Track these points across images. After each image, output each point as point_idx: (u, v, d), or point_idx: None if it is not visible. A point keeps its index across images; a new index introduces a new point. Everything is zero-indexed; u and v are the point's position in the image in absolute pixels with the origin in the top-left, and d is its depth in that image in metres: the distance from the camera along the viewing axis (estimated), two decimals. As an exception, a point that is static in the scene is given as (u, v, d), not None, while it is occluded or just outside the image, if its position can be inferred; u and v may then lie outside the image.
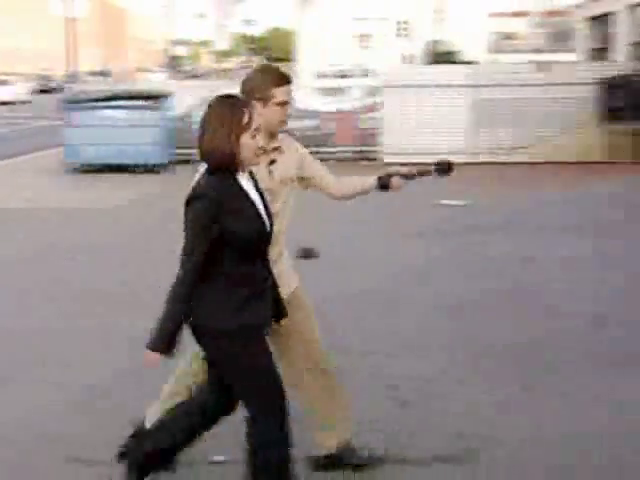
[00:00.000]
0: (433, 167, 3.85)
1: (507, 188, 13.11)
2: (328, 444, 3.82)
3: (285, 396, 3.22)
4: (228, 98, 3.19)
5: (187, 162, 16.16)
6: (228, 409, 3.37)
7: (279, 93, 3.66)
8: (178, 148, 16.00)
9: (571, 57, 26.83)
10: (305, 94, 22.79)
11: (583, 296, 6.84)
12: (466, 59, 36.51)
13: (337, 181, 3.90)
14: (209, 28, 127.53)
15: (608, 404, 4.59)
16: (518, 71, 17.18)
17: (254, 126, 3.10)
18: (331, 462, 3.83)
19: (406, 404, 4.62)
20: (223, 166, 3.06)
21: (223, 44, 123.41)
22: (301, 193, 3.88)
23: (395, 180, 3.77)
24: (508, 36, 51.14)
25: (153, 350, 3.05)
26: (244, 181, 3.15)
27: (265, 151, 3.54)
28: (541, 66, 17.63)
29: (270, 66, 3.94)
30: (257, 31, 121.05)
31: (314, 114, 16.98)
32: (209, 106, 3.16)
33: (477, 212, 10.82)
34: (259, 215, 3.13)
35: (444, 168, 3.87)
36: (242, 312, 3.09)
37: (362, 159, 16.46)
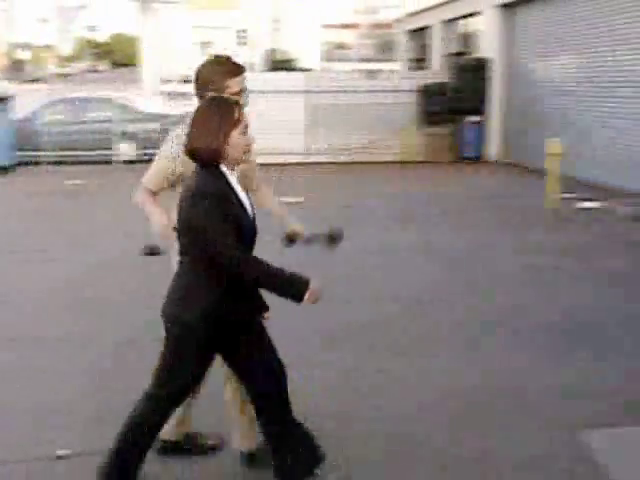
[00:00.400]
0: (326, 237, 3.73)
1: (339, 185, 13.72)
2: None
3: (281, 376, 3.26)
4: (217, 98, 3.13)
5: (30, 164, 15.79)
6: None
7: (234, 84, 3.50)
8: (20, 150, 15.51)
9: (395, 66, 27.82)
10: (149, 98, 22.45)
11: (404, 281, 7.24)
12: (302, 67, 37.06)
13: (261, 187, 3.89)
14: (52, 33, 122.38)
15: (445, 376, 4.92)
16: (348, 78, 17.75)
17: (243, 123, 3.04)
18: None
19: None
20: (211, 162, 2.98)
21: (67, 49, 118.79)
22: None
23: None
24: (340, 46, 52.38)
25: (301, 295, 3.01)
26: (233, 179, 3.08)
27: None
28: (369, 74, 18.29)
29: (222, 57, 3.68)
30: (101, 36, 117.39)
31: (158, 117, 16.82)
32: (199, 105, 3.11)
33: (310, 207, 11.12)
34: (248, 211, 3.09)
35: (334, 239, 3.73)
36: (241, 303, 3.07)
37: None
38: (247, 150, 3.09)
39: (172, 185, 3.52)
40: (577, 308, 6.25)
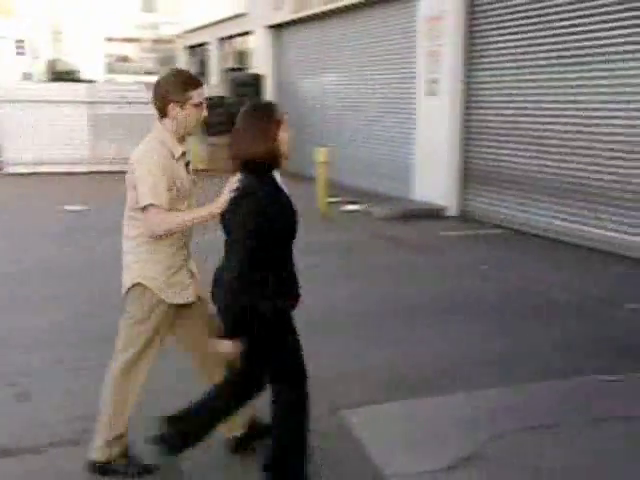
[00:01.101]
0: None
1: (123, 193, 13.26)
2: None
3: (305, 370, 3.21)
4: (257, 104, 3.12)
5: None
6: (259, 388, 3.34)
7: (196, 95, 3.36)
8: None
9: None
10: None
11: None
12: (86, 78, 35.49)
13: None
14: None
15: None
16: (130, 90, 17.29)
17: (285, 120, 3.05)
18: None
19: (25, 396, 4.40)
20: (267, 165, 2.97)
21: None
22: None
23: None
24: (123, 59, 50.85)
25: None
26: (278, 177, 3.07)
27: (183, 154, 3.39)
28: (150, 86, 17.89)
29: (182, 70, 3.57)
30: None
31: None
32: (244, 113, 3.06)
33: (95, 215, 10.75)
34: (293, 206, 3.07)
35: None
36: (283, 294, 3.07)
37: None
38: (289, 145, 3.11)
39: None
40: (351, 298, 6.58)
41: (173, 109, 3.33)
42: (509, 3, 10.09)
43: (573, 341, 5.35)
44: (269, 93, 18.02)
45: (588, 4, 8.68)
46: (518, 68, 10.00)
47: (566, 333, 5.54)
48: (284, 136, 3.05)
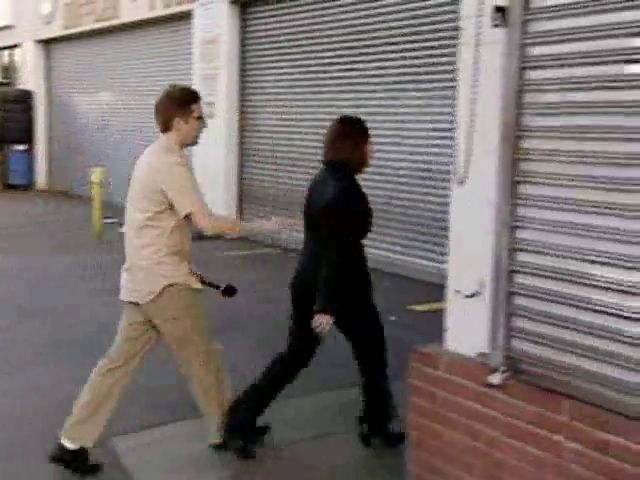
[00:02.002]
0: (222, 289, 3.93)
1: None
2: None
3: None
4: (349, 118, 3.77)
5: None
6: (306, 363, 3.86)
7: (197, 108, 3.63)
8: None
9: None
10: None
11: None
12: None
13: None
14: None
15: None
16: None
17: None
18: None
19: None
20: (357, 171, 3.44)
21: None
22: None
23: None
24: None
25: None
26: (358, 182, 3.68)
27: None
28: None
29: (182, 85, 3.92)
30: None
31: None
32: (339, 125, 3.69)
33: None
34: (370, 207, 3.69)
35: (229, 292, 3.97)
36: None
37: None
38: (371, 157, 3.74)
39: None
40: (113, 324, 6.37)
41: (178, 123, 3.59)
42: (282, 28, 10.47)
43: (346, 353, 5.60)
44: (40, 110, 17.11)
45: (359, 28, 9.19)
46: (292, 92, 10.39)
47: (338, 347, 5.79)
48: (370, 148, 3.70)
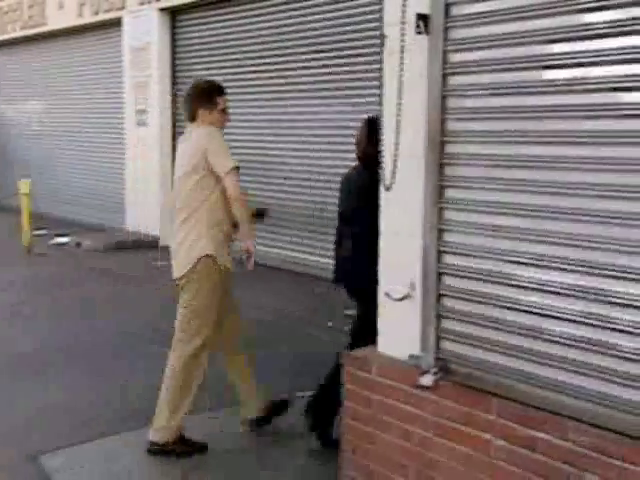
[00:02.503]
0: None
1: None
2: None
3: None
4: (372, 119, 3.84)
5: None
6: None
7: (221, 101, 3.94)
8: None
9: None
10: None
11: None
12: None
13: None
14: None
15: None
16: None
17: None
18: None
19: None
20: (377, 165, 3.27)
21: None
22: None
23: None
24: None
25: None
26: None
27: None
28: None
29: (209, 80, 4.26)
30: None
31: None
32: (368, 124, 3.88)
33: None
34: None
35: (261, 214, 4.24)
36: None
37: None
38: None
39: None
40: (60, 334, 6.24)
41: (203, 114, 3.88)
42: (212, 36, 10.41)
43: (286, 362, 5.59)
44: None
45: (289, 35, 9.19)
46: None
47: (281, 356, 5.77)
48: None
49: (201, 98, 3.92)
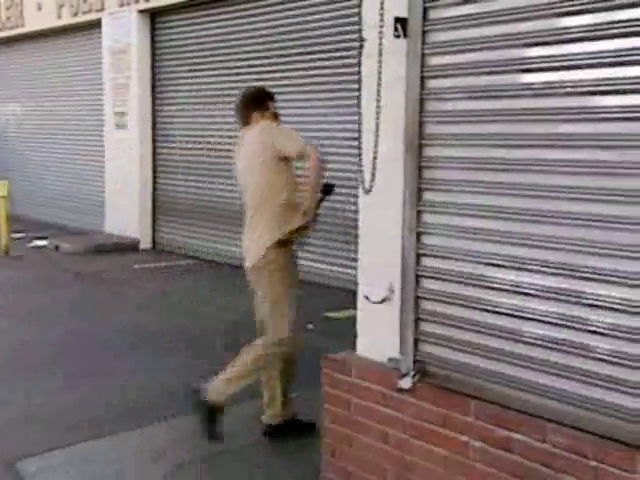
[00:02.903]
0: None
1: None
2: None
3: None
4: None
5: None
6: None
7: (271, 105, 4.18)
8: None
9: None
10: None
11: None
12: None
13: None
14: None
15: None
16: None
17: None
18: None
19: None
20: None
21: None
22: None
23: None
24: None
25: None
26: None
27: None
28: None
29: (260, 86, 4.66)
30: None
31: None
32: None
33: None
34: None
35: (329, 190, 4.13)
36: None
37: None
38: None
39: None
40: (40, 337, 6.19)
41: (256, 117, 4.09)
42: (193, 38, 10.38)
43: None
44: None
45: (269, 38, 9.18)
46: (205, 102, 10.29)
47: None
48: None
49: (254, 102, 4.16)
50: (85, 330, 6.51)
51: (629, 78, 2.28)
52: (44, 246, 10.92)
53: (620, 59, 2.30)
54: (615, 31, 2.30)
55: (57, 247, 10.80)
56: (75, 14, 12.26)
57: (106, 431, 4.27)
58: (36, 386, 5.05)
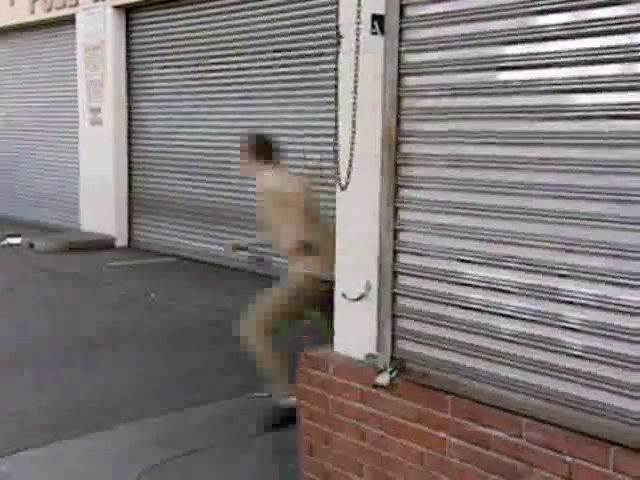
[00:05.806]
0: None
1: None
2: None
3: None
4: None
5: None
6: None
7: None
8: None
9: None
10: None
11: None
12: None
13: None
14: None
15: None
16: None
17: None
18: None
19: None
20: None
21: None
22: None
23: None
24: None
25: None
26: None
27: None
28: None
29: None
30: None
31: None
32: None
33: None
34: None
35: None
36: None
37: None
38: None
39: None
40: (12, 336, 6.10)
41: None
42: (168, 34, 10.30)
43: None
44: None
45: (246, 35, 9.11)
46: (180, 98, 10.22)
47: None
48: None
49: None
50: (58, 329, 6.44)
51: (604, 76, 2.29)
52: (18, 244, 10.79)
53: (596, 57, 2.31)
54: (590, 30, 2.32)
55: (31, 245, 10.67)
56: (49, 9, 12.11)
57: (81, 430, 4.23)
58: (8, 385, 4.99)
